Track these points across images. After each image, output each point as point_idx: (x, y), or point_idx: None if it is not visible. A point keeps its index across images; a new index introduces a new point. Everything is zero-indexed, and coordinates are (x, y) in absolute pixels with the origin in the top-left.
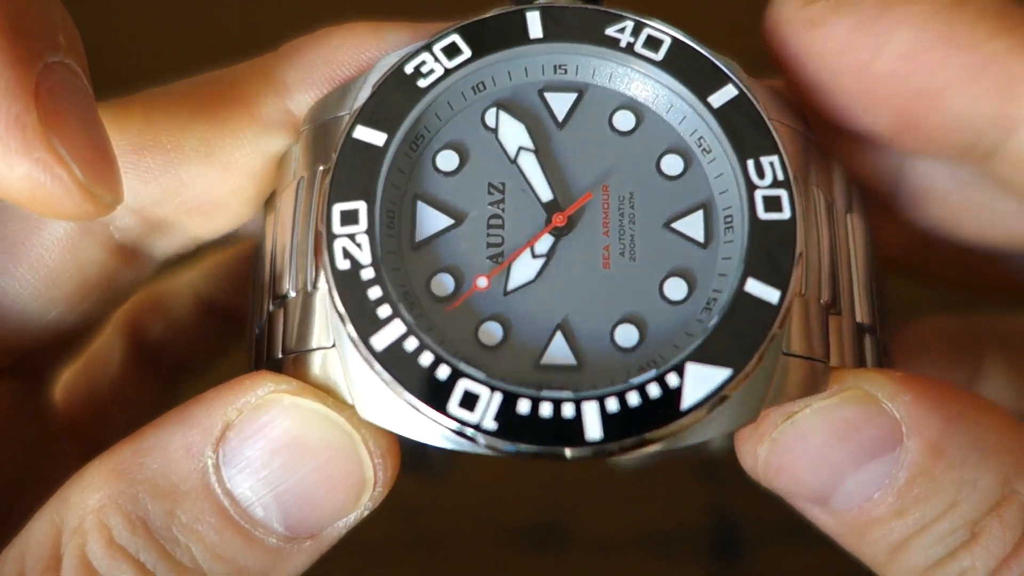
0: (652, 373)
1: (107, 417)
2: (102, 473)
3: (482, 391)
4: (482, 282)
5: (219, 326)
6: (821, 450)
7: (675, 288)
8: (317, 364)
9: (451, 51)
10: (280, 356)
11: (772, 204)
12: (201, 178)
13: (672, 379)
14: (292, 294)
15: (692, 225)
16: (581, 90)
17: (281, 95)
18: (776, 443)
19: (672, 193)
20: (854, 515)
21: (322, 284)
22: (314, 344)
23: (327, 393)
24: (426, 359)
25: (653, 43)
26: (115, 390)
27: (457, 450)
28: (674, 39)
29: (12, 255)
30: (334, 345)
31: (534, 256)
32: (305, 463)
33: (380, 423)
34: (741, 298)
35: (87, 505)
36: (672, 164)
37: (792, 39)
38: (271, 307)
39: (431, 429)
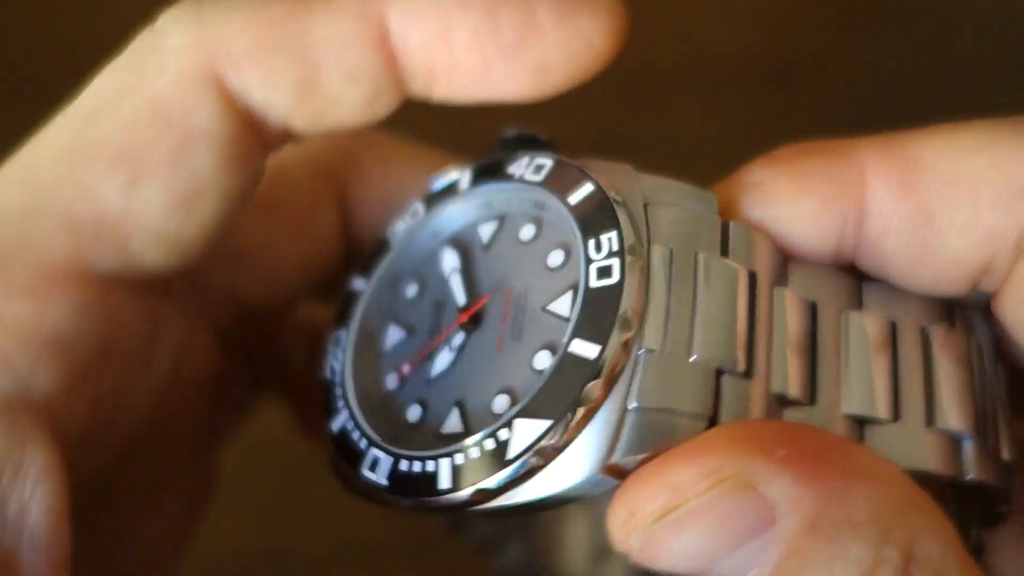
0: (489, 430)
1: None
2: None
3: (381, 456)
4: (405, 367)
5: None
6: (696, 542)
7: (542, 359)
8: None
9: (413, 213)
10: None
11: (603, 273)
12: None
13: (503, 433)
14: None
15: (561, 304)
16: (501, 217)
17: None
18: (650, 536)
19: (553, 281)
20: None
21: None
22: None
23: None
24: (356, 436)
25: (538, 168)
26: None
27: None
28: (556, 160)
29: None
30: None
31: (450, 350)
32: None
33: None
34: (566, 358)
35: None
36: (555, 258)
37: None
38: None
39: (373, 493)
